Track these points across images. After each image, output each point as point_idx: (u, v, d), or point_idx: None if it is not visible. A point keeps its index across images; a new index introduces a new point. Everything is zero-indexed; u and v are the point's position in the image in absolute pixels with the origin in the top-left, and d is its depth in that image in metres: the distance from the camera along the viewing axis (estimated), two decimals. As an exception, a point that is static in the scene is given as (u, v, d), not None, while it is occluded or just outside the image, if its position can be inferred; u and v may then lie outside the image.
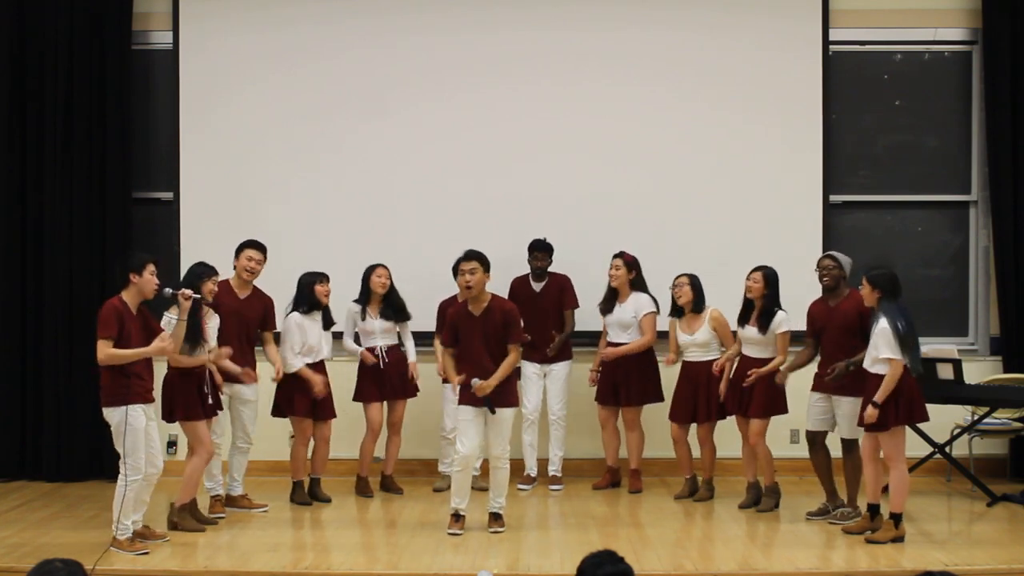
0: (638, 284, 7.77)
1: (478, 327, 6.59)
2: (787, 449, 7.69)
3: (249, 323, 7.21)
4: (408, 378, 7.75)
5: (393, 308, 7.68)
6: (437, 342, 7.56)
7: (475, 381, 6.48)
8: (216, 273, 6.77)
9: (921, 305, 8.33)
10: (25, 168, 8.26)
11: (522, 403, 7.78)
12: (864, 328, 6.52)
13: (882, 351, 6.20)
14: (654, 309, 7.71)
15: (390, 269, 7.71)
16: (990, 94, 8.25)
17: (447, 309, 7.09)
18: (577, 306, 7.99)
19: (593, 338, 7.99)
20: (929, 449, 7.65)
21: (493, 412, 6.52)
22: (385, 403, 7.74)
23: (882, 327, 6.23)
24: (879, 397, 6.23)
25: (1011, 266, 8.21)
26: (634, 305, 7.73)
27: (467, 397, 6.59)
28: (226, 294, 7.08)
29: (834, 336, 6.82)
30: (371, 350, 7.62)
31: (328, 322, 7.49)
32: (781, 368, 7.05)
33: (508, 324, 6.61)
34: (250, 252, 7.21)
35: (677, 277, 7.52)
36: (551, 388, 7.96)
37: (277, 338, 7.37)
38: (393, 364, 7.68)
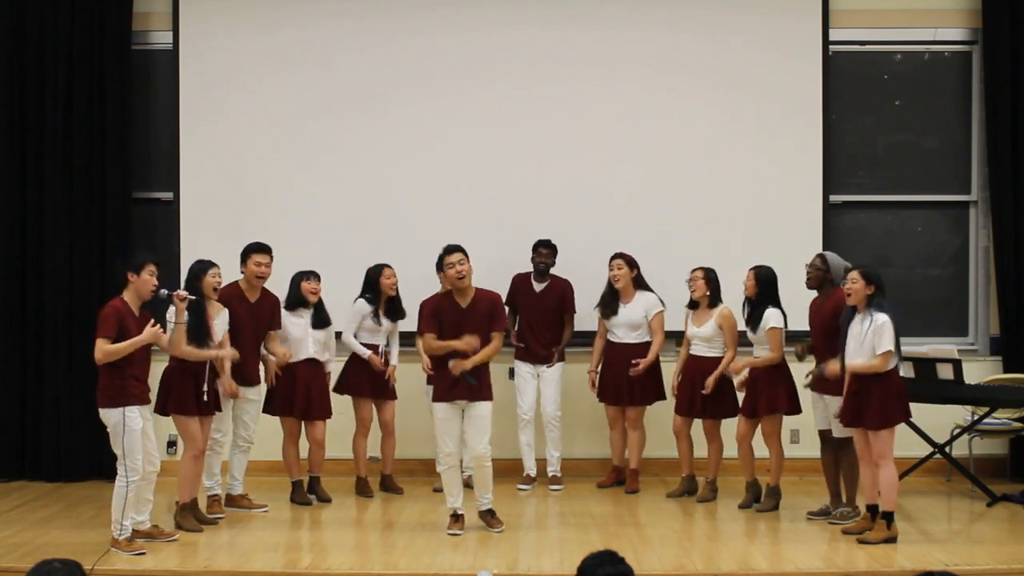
0: (641, 282, 7.78)
1: (466, 319, 6.55)
2: (787, 449, 7.66)
3: (261, 325, 7.21)
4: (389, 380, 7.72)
5: (395, 308, 7.69)
6: (420, 341, 6.94)
7: (452, 361, 6.45)
8: (214, 265, 6.75)
9: (921, 305, 8.39)
10: (25, 168, 8.25)
11: (517, 403, 7.81)
12: (837, 328, 6.48)
13: (885, 343, 6.17)
14: (663, 308, 7.73)
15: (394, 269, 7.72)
16: (990, 94, 8.25)
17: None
18: (575, 311, 8.00)
19: (592, 338, 7.97)
20: (929, 449, 7.65)
21: (473, 383, 6.43)
22: (374, 405, 7.73)
23: (884, 321, 6.20)
24: (857, 368, 6.23)
25: (1011, 266, 8.21)
26: (643, 304, 7.73)
27: (441, 394, 6.55)
28: (238, 301, 7.06)
29: (816, 335, 6.85)
30: (373, 349, 7.62)
31: (322, 321, 7.45)
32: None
33: (494, 313, 6.60)
34: (258, 257, 7.15)
35: (693, 270, 7.49)
36: (544, 390, 7.94)
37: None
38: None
